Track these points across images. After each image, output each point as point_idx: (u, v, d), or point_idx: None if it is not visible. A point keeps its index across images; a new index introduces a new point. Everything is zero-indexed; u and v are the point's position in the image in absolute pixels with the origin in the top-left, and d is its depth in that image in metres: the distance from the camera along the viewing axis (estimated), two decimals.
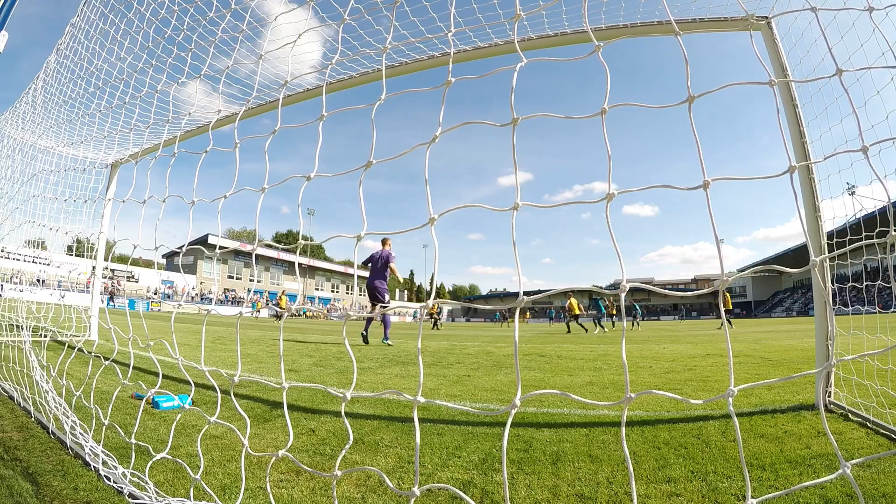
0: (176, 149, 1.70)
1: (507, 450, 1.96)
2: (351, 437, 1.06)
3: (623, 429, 0.79)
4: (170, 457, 1.56)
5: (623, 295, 0.84)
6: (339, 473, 0.99)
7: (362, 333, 7.85)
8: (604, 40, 2.98)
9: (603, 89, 0.92)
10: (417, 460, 0.89)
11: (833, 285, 2.64)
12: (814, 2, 1.22)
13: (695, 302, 74.12)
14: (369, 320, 8.05)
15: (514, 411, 0.85)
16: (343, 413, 1.04)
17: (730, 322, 16.72)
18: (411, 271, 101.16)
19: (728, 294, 17.06)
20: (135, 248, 1.63)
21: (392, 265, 8.01)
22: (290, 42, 1.63)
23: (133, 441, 1.57)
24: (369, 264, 8.06)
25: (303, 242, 1.18)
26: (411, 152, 1.08)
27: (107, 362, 1.80)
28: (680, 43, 0.95)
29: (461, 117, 1.04)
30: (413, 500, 0.86)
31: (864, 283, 2.51)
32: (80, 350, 2.22)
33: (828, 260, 2.48)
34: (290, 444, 1.19)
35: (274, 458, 1.13)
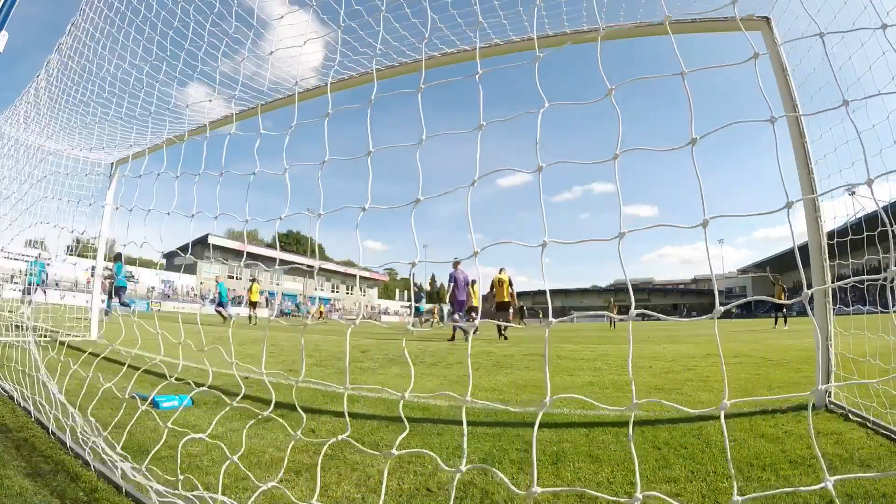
0: (182, 149, 1.70)
1: (506, 449, 1.96)
2: (407, 427, 1.07)
3: (631, 434, 0.79)
4: (169, 457, 1.57)
5: (630, 322, 0.84)
6: (395, 453, 1.00)
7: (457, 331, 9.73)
8: (603, 41, 2.98)
9: (604, 90, 0.91)
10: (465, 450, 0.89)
11: (833, 285, 2.63)
12: (814, 7, 1.21)
13: (694, 302, 74.12)
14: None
15: (541, 412, 0.86)
16: (401, 410, 1.04)
17: (784, 319, 15.23)
18: (412, 271, 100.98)
19: (781, 287, 15.43)
20: (124, 245, 1.63)
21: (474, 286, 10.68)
22: (294, 46, 1.63)
23: (132, 441, 1.57)
24: (452, 285, 10.48)
25: (363, 267, 1.19)
26: (412, 151, 1.08)
27: (97, 359, 1.80)
28: (686, 87, 0.94)
29: (462, 118, 1.05)
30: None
31: (866, 284, 2.50)
32: (79, 350, 2.22)
33: (828, 260, 2.48)
34: (348, 431, 1.18)
35: (331, 441, 1.12)
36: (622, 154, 0.87)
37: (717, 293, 0.85)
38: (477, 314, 9.92)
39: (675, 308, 71.16)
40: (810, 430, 0.76)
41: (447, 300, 10.77)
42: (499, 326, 10.96)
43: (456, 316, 10.61)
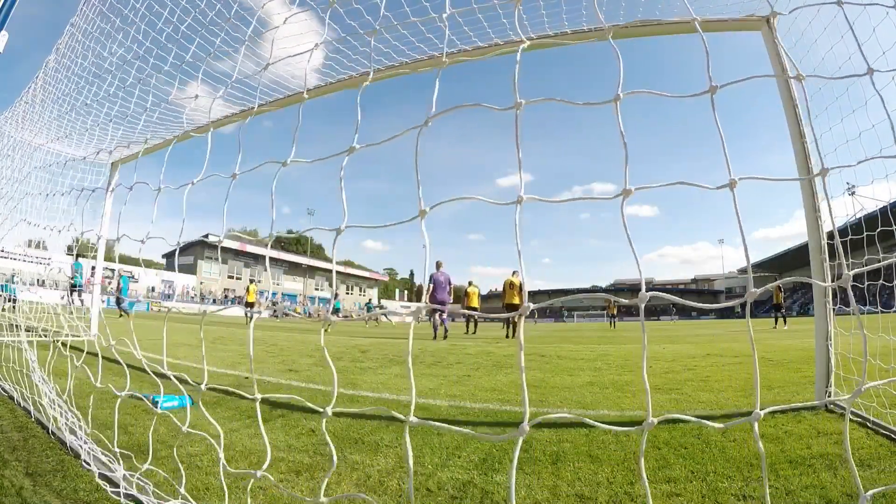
0: (180, 149, 1.69)
1: (506, 450, 1.95)
2: (335, 461, 1.02)
3: (641, 459, 0.79)
4: (169, 457, 1.56)
5: (642, 305, 0.77)
6: (324, 501, 0.93)
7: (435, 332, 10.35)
8: (604, 41, 2.98)
9: (604, 91, 0.91)
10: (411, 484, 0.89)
11: (832, 285, 2.63)
12: (814, 7, 1.21)
13: (695, 301, 73.81)
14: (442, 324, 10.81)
15: (521, 438, 0.78)
16: (325, 430, 1.03)
17: (784, 319, 15.53)
18: (411, 271, 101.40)
19: (778, 288, 16.17)
20: (118, 239, 1.63)
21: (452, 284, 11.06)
22: (295, 45, 1.63)
23: (132, 441, 1.57)
24: (432, 286, 10.79)
25: (274, 235, 1.18)
26: (411, 151, 1.08)
27: (101, 361, 1.80)
28: (702, 37, 0.93)
29: (460, 119, 1.04)
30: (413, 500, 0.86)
31: (866, 283, 2.50)
32: (79, 350, 2.22)
33: (828, 260, 2.48)
34: (266, 465, 1.15)
35: (253, 479, 1.09)
36: (621, 158, 0.87)
37: (750, 287, 0.84)
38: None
39: (675, 307, 70.99)
40: (845, 433, 0.75)
41: (427, 300, 11.01)
42: (507, 324, 11.66)
43: (437, 316, 10.95)
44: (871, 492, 0.69)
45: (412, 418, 0.83)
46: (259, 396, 1.11)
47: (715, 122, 0.84)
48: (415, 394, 0.90)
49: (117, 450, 1.57)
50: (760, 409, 0.71)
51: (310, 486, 1.55)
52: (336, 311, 20.28)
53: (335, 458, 1.15)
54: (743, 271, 70.82)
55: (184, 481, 1.31)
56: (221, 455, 1.19)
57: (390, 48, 3.19)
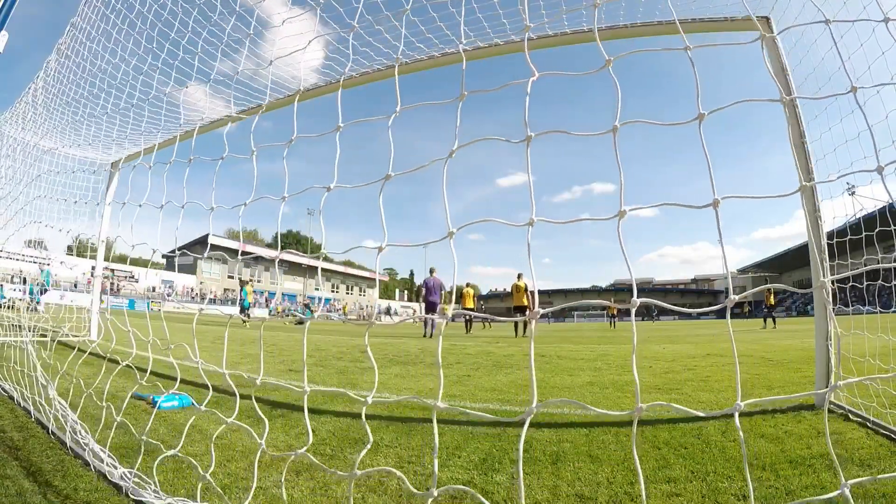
0: (175, 150, 1.70)
1: (506, 449, 1.96)
2: (371, 439, 1.08)
3: (634, 440, 0.79)
4: (170, 457, 1.57)
5: (633, 310, 0.84)
6: (357, 473, 1.00)
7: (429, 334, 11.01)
8: (603, 41, 2.98)
9: (606, 90, 0.91)
10: (436, 462, 0.89)
11: (833, 285, 2.63)
12: (813, 7, 1.21)
13: (694, 302, 74.04)
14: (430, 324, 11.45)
15: (529, 418, 0.85)
16: (364, 417, 1.04)
17: (773, 319, 16.28)
18: (411, 271, 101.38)
19: (771, 292, 17.23)
20: (133, 247, 1.63)
21: (444, 290, 12.06)
22: (295, 45, 1.63)
23: (132, 441, 1.57)
24: (424, 289, 12.01)
25: (325, 252, 1.21)
26: (413, 154, 1.08)
27: (105, 362, 1.80)
28: (689, 57, 0.94)
29: (466, 118, 1.05)
30: (429, 500, 0.87)
31: (865, 283, 2.50)
32: (79, 350, 2.22)
33: (828, 260, 2.48)
34: (309, 443, 1.18)
35: (292, 457, 1.13)
36: (623, 147, 0.87)
37: (730, 292, 0.85)
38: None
39: (655, 311, 71.03)
40: (825, 424, 0.76)
41: (421, 301, 12.02)
42: (516, 325, 12.32)
43: (427, 316, 11.52)
44: (851, 481, 0.72)
45: (439, 403, 0.90)
46: (308, 389, 1.16)
47: (702, 147, 0.86)
48: (442, 384, 0.95)
49: (144, 439, 1.57)
50: (754, 408, 0.73)
51: (310, 485, 1.55)
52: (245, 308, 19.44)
53: (371, 436, 1.19)
54: (742, 271, 70.85)
55: (211, 468, 1.33)
56: (263, 444, 1.23)
57: (391, 48, 3.19)
